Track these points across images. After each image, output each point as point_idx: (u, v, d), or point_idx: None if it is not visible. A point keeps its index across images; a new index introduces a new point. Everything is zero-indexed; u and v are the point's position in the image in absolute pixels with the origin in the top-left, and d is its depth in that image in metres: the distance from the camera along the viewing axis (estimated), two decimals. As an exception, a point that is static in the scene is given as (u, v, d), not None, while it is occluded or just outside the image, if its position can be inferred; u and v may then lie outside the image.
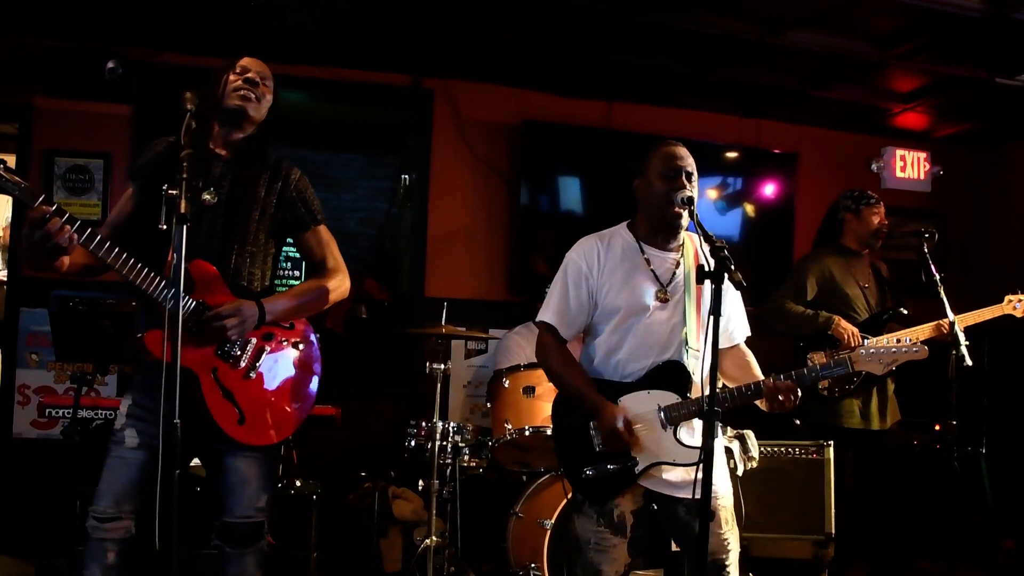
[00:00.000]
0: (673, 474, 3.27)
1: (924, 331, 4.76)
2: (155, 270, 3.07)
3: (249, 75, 3.39)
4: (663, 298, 3.33)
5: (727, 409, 3.25)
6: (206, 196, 3.26)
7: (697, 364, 3.30)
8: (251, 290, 3.36)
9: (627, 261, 3.40)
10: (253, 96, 3.39)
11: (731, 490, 3.41)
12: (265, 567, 3.45)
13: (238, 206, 3.32)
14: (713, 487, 3.25)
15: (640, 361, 3.33)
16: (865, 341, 4.90)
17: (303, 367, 3.48)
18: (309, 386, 3.51)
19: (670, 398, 3.27)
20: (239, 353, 3.28)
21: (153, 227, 3.15)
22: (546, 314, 3.49)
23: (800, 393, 3.18)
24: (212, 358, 3.22)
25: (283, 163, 3.52)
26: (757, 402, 3.28)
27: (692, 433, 3.30)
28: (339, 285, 3.55)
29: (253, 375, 3.31)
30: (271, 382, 3.36)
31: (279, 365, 3.40)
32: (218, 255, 3.27)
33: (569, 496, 4.54)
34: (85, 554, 3.19)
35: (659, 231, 3.42)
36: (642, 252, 3.40)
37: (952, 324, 4.62)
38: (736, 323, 3.50)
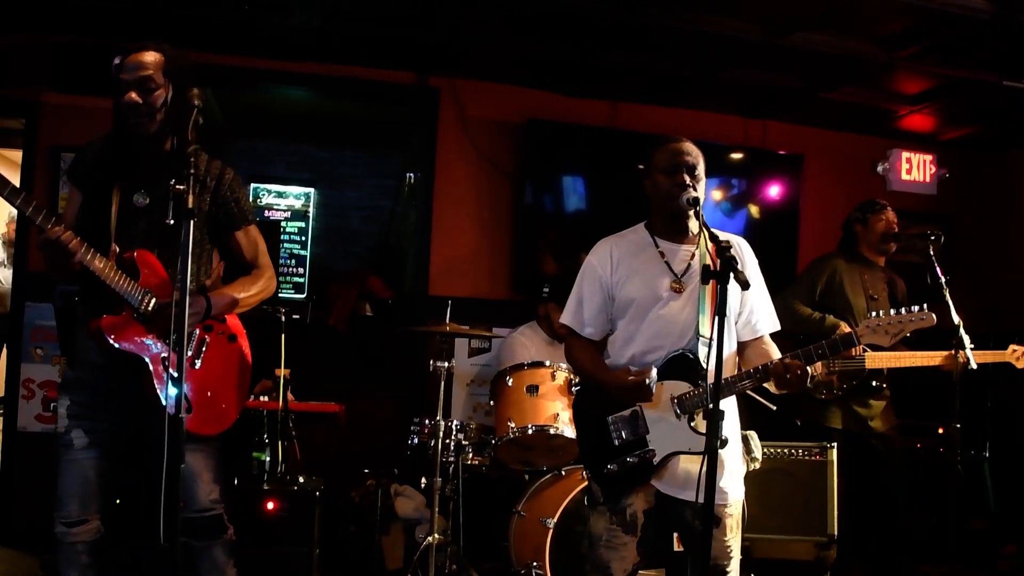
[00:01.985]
0: (682, 476, 3.28)
1: (935, 358, 4.75)
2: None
3: (128, 96, 3.22)
4: (677, 288, 3.35)
5: (737, 392, 3.29)
6: (138, 198, 3.29)
7: (709, 353, 3.29)
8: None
9: (640, 255, 3.44)
10: (142, 116, 3.23)
11: (742, 497, 3.41)
12: (235, 556, 3.51)
13: (172, 205, 3.27)
14: (723, 492, 3.27)
15: (655, 352, 3.35)
16: (864, 351, 4.93)
17: (239, 359, 3.56)
18: (245, 378, 3.57)
19: (683, 388, 3.29)
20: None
21: (93, 221, 3.23)
22: (565, 316, 3.61)
23: (809, 372, 3.17)
24: (163, 347, 3.25)
25: (216, 162, 3.51)
26: (767, 385, 3.27)
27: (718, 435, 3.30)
28: (268, 284, 3.61)
29: (198, 365, 3.37)
30: (214, 372, 3.42)
31: (220, 356, 3.46)
32: (155, 253, 3.30)
33: (584, 493, 4.57)
34: (59, 561, 3.22)
35: (671, 225, 3.46)
36: (656, 246, 3.44)
37: (957, 327, 4.62)
38: (760, 315, 3.48)
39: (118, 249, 3.21)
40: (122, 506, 3.85)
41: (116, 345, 3.12)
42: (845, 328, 4.96)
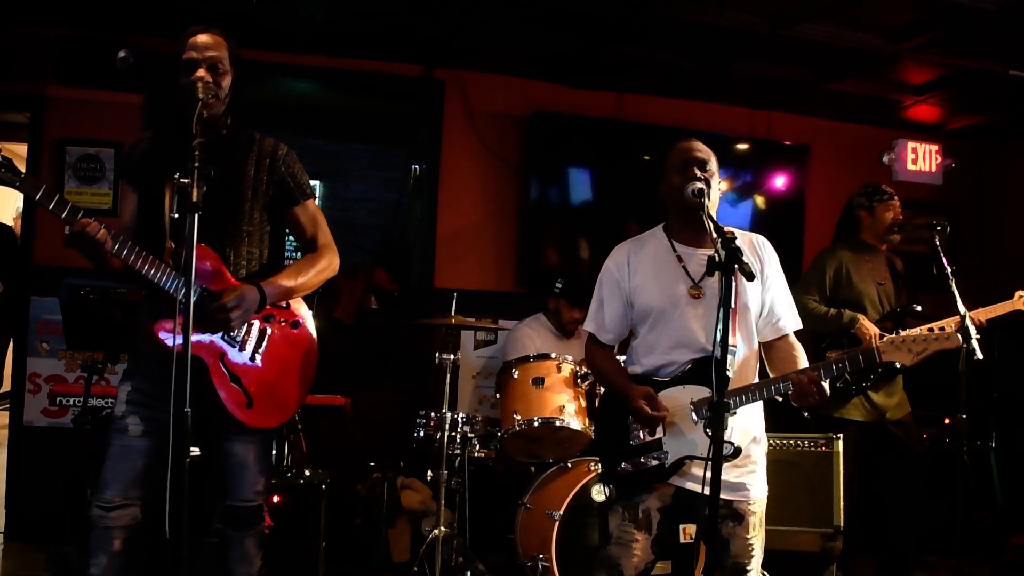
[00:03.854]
0: (700, 472, 3.26)
1: (952, 324, 4.73)
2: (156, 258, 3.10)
3: (199, 74, 3.19)
4: (695, 294, 3.34)
5: (755, 401, 3.30)
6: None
7: (733, 360, 3.30)
8: (250, 271, 3.36)
9: (658, 260, 3.44)
10: (212, 97, 3.17)
11: (765, 495, 3.40)
12: (265, 548, 3.49)
13: (229, 189, 3.29)
14: (745, 490, 3.28)
15: (677, 358, 3.35)
16: (882, 338, 4.91)
17: (303, 346, 3.51)
18: (310, 364, 3.53)
19: (703, 393, 3.28)
20: (244, 337, 3.30)
21: (149, 218, 3.19)
22: (588, 323, 3.62)
23: (827, 387, 3.19)
24: (219, 343, 3.24)
25: (267, 139, 3.47)
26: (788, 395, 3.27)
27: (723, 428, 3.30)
28: (331, 263, 3.54)
29: (258, 358, 3.33)
30: (275, 364, 3.38)
31: (281, 346, 3.41)
32: (214, 240, 3.24)
33: (589, 485, 4.63)
34: (90, 543, 3.19)
35: (688, 227, 3.44)
36: (674, 250, 3.43)
37: (963, 317, 4.61)
38: (782, 313, 3.47)
39: (173, 245, 3.15)
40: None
41: (169, 347, 3.04)
42: (864, 320, 4.96)
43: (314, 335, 3.56)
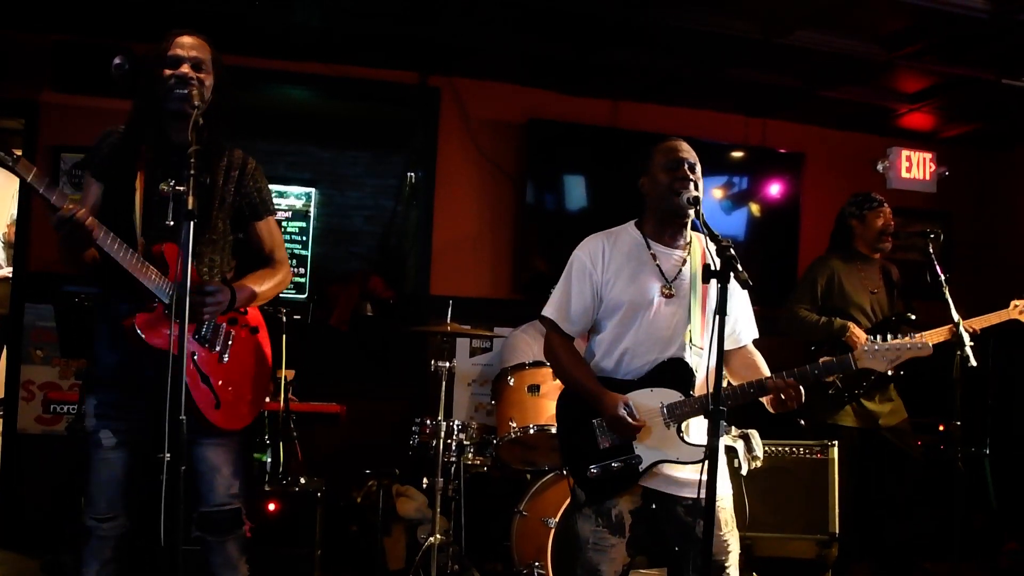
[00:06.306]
0: (674, 473, 3.27)
1: (940, 334, 4.75)
2: None
3: (182, 70, 3.21)
4: (668, 294, 3.34)
5: (730, 407, 3.25)
6: (163, 187, 3.21)
7: (700, 362, 3.31)
8: (213, 277, 3.38)
9: (633, 257, 3.42)
10: (189, 93, 3.15)
11: (731, 491, 3.41)
12: (249, 552, 3.50)
13: (199, 196, 3.27)
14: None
15: (643, 357, 3.34)
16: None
17: (261, 352, 3.54)
18: (265, 372, 3.57)
19: (673, 396, 3.27)
20: (212, 336, 3.32)
21: (114, 213, 3.18)
22: (549, 309, 3.52)
23: (804, 392, 3.18)
24: (191, 342, 3.24)
25: (237, 152, 3.50)
26: (763, 401, 3.28)
27: (695, 431, 3.30)
28: (286, 277, 3.59)
29: (226, 359, 3.35)
30: (240, 366, 3.41)
31: (244, 350, 3.45)
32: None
33: (570, 495, 4.57)
34: (85, 551, 3.23)
35: (666, 227, 3.44)
36: (648, 248, 3.42)
37: (957, 325, 4.63)
38: (743, 325, 3.49)
39: (145, 242, 3.16)
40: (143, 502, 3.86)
41: (149, 343, 3.07)
42: (854, 328, 4.98)
43: (268, 344, 3.60)
